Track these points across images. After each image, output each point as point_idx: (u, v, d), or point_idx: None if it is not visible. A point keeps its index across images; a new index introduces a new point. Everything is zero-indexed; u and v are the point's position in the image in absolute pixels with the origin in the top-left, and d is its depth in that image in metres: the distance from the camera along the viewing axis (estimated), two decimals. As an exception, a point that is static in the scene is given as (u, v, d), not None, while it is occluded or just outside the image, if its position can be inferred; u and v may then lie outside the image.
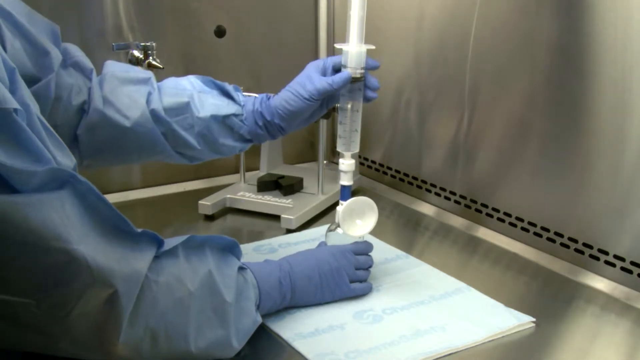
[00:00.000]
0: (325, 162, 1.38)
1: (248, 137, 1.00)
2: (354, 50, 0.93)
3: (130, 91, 0.93)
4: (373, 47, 0.94)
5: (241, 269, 0.83)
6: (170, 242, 0.75)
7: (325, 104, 0.99)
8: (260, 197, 1.30)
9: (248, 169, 1.40)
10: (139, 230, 0.71)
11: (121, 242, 0.69)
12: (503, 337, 0.87)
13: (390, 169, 1.46)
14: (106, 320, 0.67)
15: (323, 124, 1.31)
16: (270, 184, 1.34)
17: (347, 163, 0.97)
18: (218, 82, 1.01)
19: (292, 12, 1.53)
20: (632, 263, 0.98)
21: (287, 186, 1.32)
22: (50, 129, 0.68)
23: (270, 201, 1.28)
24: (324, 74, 0.96)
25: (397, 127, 1.41)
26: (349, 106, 0.96)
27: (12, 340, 0.69)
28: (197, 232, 0.84)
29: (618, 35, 0.95)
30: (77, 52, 0.91)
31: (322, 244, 1.01)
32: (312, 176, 1.36)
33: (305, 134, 1.58)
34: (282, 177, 1.36)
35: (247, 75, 1.48)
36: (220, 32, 1.41)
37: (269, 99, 0.99)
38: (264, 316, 0.85)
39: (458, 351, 0.84)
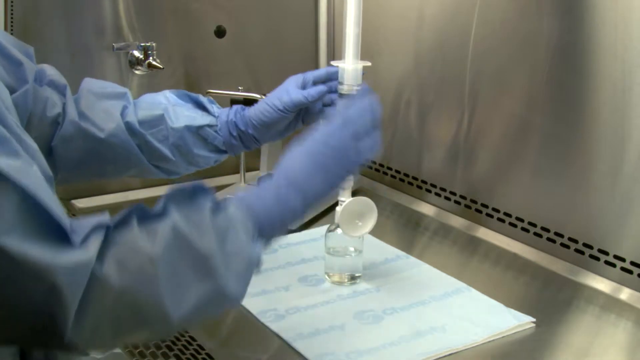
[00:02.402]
0: (325, 162, 1.37)
1: (222, 148, 1.00)
2: (350, 67, 0.93)
3: (106, 106, 0.94)
4: (369, 63, 0.94)
5: (216, 208, 0.70)
6: (120, 214, 0.66)
7: (302, 119, 0.99)
8: (260, 197, 1.30)
9: (248, 169, 1.40)
10: (79, 218, 0.64)
11: (57, 234, 0.60)
12: (503, 337, 0.87)
13: (390, 169, 1.46)
14: (53, 314, 0.59)
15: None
16: (270, 184, 1.33)
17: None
18: (193, 95, 1.01)
19: (292, 12, 1.52)
20: (632, 263, 0.98)
21: (287, 186, 1.31)
22: (16, 120, 0.65)
23: (270, 201, 1.28)
24: (303, 87, 0.97)
25: (397, 127, 1.41)
26: None
27: None
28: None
29: (618, 35, 0.95)
30: (51, 71, 0.92)
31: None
32: (312, 176, 1.36)
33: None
34: (282, 177, 1.35)
35: (247, 75, 1.48)
36: (220, 32, 1.41)
37: (244, 110, 1.00)
38: (267, 315, 0.84)
39: (458, 351, 0.84)
